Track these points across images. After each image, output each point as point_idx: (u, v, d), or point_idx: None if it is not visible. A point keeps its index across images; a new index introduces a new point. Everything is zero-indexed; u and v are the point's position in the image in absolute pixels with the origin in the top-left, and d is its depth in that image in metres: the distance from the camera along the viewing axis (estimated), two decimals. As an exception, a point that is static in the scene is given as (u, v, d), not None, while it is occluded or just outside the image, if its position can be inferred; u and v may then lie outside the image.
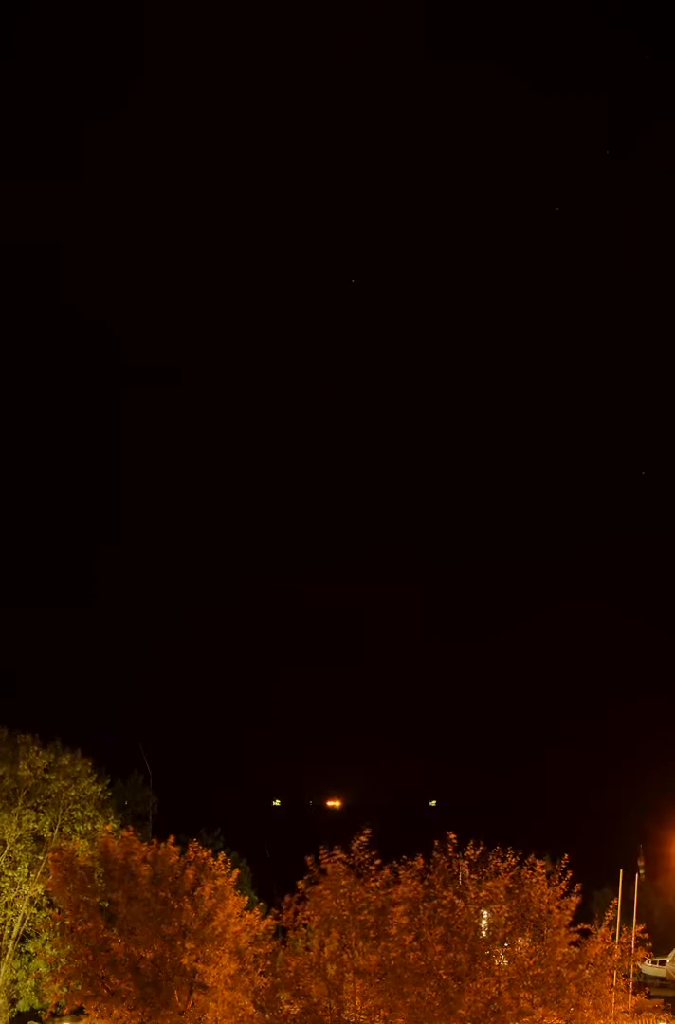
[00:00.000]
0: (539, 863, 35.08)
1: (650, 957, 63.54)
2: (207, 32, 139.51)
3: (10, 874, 51.97)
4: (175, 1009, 38.43)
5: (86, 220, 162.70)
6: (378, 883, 34.95)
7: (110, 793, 57.86)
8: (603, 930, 34.97)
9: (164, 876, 39.59)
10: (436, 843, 35.41)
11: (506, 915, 34.03)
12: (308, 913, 35.54)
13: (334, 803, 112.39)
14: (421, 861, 35.22)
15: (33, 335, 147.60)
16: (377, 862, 35.44)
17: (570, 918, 34.61)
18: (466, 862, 35.24)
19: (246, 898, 41.73)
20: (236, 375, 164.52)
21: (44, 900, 51.65)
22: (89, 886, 40.56)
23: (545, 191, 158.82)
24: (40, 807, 53.60)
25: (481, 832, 36.62)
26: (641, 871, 76.30)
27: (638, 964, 50.95)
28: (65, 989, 40.76)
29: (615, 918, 36.40)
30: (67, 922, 40.29)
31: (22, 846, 52.40)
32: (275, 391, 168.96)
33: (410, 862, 35.21)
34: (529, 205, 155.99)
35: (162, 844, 40.79)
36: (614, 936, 35.77)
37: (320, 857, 35.54)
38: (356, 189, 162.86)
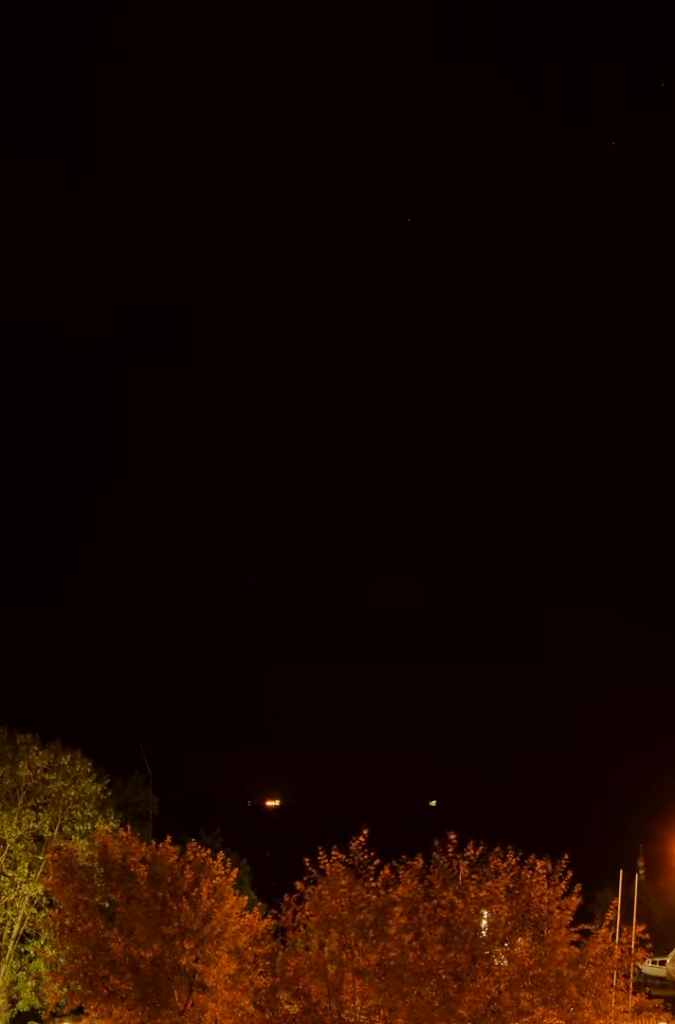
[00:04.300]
0: (539, 863, 35.06)
1: (650, 957, 63.52)
2: (205, 26, 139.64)
3: (10, 874, 51.97)
4: (175, 1009, 38.45)
5: (88, 211, 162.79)
6: (378, 883, 34.93)
7: (110, 793, 57.85)
8: (604, 930, 34.97)
9: (163, 876, 39.58)
10: (436, 843, 35.40)
11: (506, 915, 34.01)
12: (307, 913, 35.53)
13: (273, 802, 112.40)
14: (421, 861, 35.20)
15: (32, 333, 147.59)
16: (376, 862, 35.42)
17: (570, 918, 34.61)
18: (465, 862, 35.22)
19: (245, 898, 41.73)
20: (236, 374, 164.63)
21: (44, 900, 51.64)
22: (89, 886, 40.57)
23: (549, 188, 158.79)
24: (40, 807, 53.59)
25: (481, 832, 36.60)
26: (641, 871, 76.25)
27: (638, 964, 50.96)
28: (65, 989, 40.76)
29: (615, 918, 36.40)
30: (67, 922, 40.29)
31: (22, 846, 52.39)
32: (275, 389, 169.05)
33: (410, 862, 35.19)
34: (530, 206, 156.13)
35: (160, 844, 40.79)
36: (614, 936, 35.77)
37: (319, 857, 35.51)
38: (356, 190, 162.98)
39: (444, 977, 32.88)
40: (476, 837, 35.92)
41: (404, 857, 35.40)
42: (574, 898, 34.95)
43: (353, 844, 35.45)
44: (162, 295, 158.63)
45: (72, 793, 54.00)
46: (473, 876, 34.73)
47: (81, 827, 53.93)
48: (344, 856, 35.25)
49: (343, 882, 34.57)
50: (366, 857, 35.37)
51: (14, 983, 52.83)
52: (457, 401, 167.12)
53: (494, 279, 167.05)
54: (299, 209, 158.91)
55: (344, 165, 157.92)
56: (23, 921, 52.35)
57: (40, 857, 51.60)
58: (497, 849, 35.35)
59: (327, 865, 35.14)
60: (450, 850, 35.30)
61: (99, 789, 55.60)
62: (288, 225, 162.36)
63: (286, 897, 36.09)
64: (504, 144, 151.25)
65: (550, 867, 35.43)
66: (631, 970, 37.84)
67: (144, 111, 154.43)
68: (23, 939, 52.94)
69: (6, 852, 52.04)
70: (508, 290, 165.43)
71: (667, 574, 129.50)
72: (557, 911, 34.54)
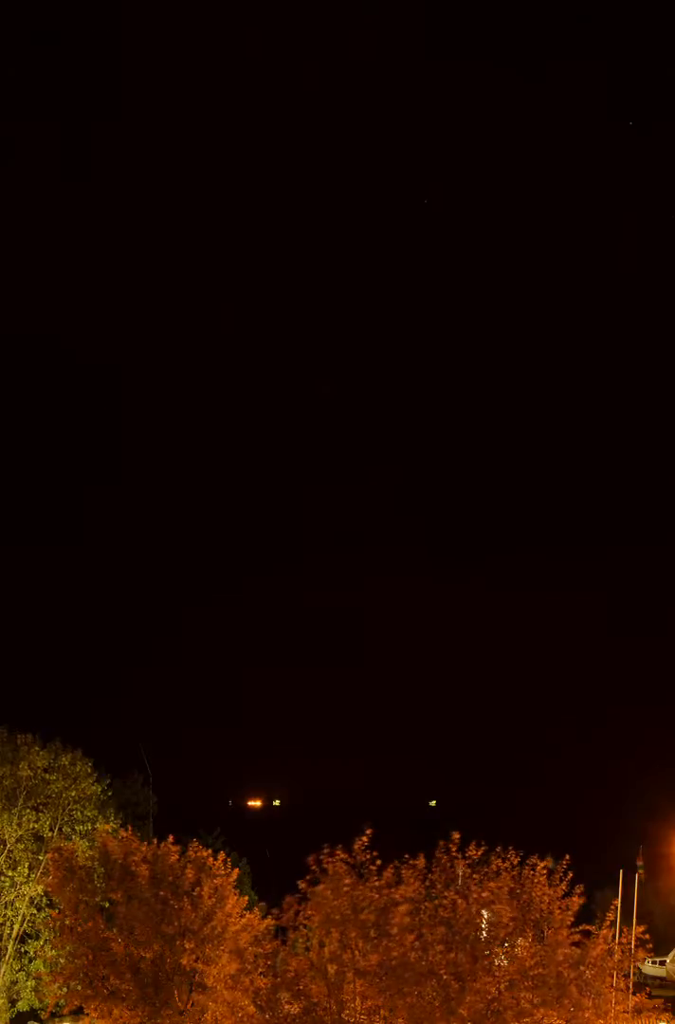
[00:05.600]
0: (540, 863, 35.05)
1: (650, 957, 63.50)
2: (209, 17, 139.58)
3: (10, 874, 51.92)
4: (175, 1009, 38.44)
5: (87, 214, 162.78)
6: (381, 883, 34.88)
7: (110, 793, 57.84)
8: (605, 931, 34.97)
9: (164, 876, 39.57)
10: (441, 843, 35.36)
11: (508, 915, 33.98)
12: (309, 913, 35.47)
13: (255, 802, 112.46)
14: (423, 860, 35.16)
15: (33, 332, 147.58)
16: (378, 862, 35.37)
17: (572, 919, 34.60)
18: (466, 862, 35.19)
19: (246, 898, 41.76)
20: (235, 374, 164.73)
21: (44, 900, 51.64)
22: (89, 886, 40.58)
23: (550, 182, 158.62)
24: (40, 807, 53.53)
25: (481, 832, 36.59)
26: (641, 871, 76.21)
27: (638, 964, 50.92)
28: (65, 989, 40.77)
29: (615, 918, 36.40)
30: (67, 922, 40.30)
31: (22, 846, 52.36)
32: (274, 390, 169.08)
33: (413, 862, 35.15)
34: (531, 204, 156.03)
35: (162, 844, 40.79)
36: (614, 936, 35.78)
37: (321, 856, 35.45)
38: (355, 191, 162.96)
39: (445, 977, 32.87)
40: (476, 837, 35.91)
41: (406, 856, 35.36)
42: (575, 898, 34.96)
43: (356, 844, 35.39)
44: (162, 295, 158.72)
45: (72, 793, 53.97)
46: (474, 876, 34.71)
47: (81, 827, 53.90)
48: (346, 855, 35.20)
49: (346, 881, 34.52)
50: (368, 857, 35.34)
51: (14, 983, 52.80)
52: (456, 401, 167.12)
53: (491, 280, 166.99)
54: (297, 211, 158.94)
55: (341, 169, 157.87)
56: (23, 921, 52.32)
57: (40, 857, 51.57)
58: (498, 849, 35.34)
59: (330, 864, 35.09)
60: (452, 850, 35.27)
61: (99, 789, 55.58)
62: (286, 229, 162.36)
63: (288, 897, 36.05)
64: (508, 140, 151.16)
65: (551, 864, 35.42)
66: (631, 970, 37.80)
67: (144, 106, 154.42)
68: (23, 939, 52.92)
69: (6, 852, 52.01)
70: (505, 291, 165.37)
71: (667, 575, 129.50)
72: (558, 911, 34.56)
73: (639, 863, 79.38)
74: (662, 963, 69.81)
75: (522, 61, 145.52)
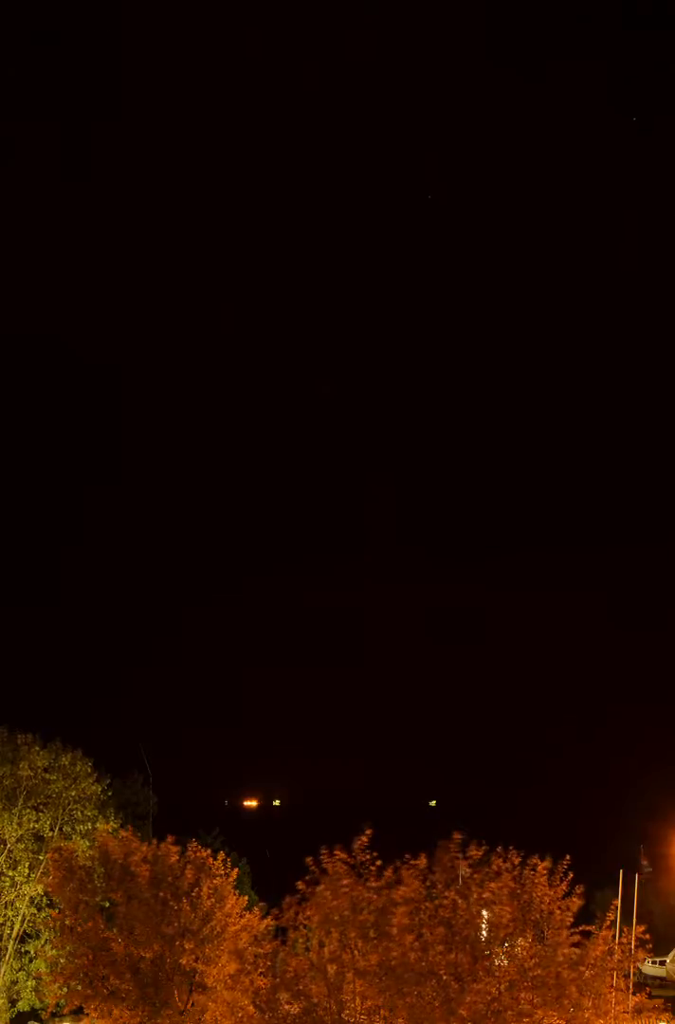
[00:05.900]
0: (541, 864, 34.99)
1: (650, 957, 63.48)
2: (200, 31, 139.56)
3: (10, 874, 51.92)
4: (175, 1009, 38.44)
5: (87, 218, 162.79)
6: (380, 883, 34.81)
7: (110, 793, 57.83)
8: (605, 931, 34.92)
9: (163, 876, 39.58)
10: (441, 843, 35.27)
11: (509, 916, 33.90)
12: (308, 913, 35.40)
13: (251, 803, 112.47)
14: (424, 860, 35.08)
15: (33, 333, 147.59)
16: (378, 862, 35.28)
17: (571, 919, 34.53)
18: (467, 862, 35.10)
19: (245, 898, 41.76)
20: (235, 375, 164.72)
21: (44, 900, 51.64)
22: (89, 886, 40.58)
23: (551, 181, 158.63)
24: (40, 807, 53.53)
25: (481, 832, 36.54)
26: (646, 869, 76.19)
27: (638, 964, 50.85)
28: (65, 989, 40.76)
29: (616, 919, 36.36)
30: (67, 922, 40.30)
31: (22, 846, 52.36)
32: (274, 390, 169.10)
33: (413, 862, 35.06)
34: (532, 203, 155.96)
35: (162, 844, 40.78)
36: (614, 936, 35.73)
37: (321, 856, 35.37)
38: (356, 190, 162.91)
39: (445, 977, 32.81)
40: (476, 837, 35.83)
41: (407, 856, 35.27)
42: (575, 899, 34.88)
43: (356, 844, 35.30)
44: (162, 295, 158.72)
45: (72, 793, 53.96)
46: (475, 876, 34.63)
47: (81, 827, 53.88)
48: (346, 855, 35.13)
49: (345, 882, 34.43)
50: (367, 857, 35.26)
51: (14, 983, 52.82)
52: (457, 401, 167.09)
53: (492, 279, 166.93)
54: (297, 210, 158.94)
55: (341, 169, 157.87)
56: (23, 921, 52.34)
57: (40, 857, 51.56)
58: (498, 849, 35.26)
59: (329, 864, 35.01)
60: (452, 850, 35.18)
61: (99, 789, 55.56)
62: (287, 228, 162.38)
63: (287, 897, 35.99)
64: (509, 139, 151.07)
65: (551, 865, 35.35)
66: (631, 970, 37.75)
67: (144, 106, 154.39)
68: (23, 939, 52.94)
69: (6, 852, 52.01)
70: (506, 290, 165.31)
71: (667, 574, 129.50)
72: (558, 912, 34.50)
73: (644, 862, 79.41)
74: (662, 963, 69.81)
75: (522, 61, 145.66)
